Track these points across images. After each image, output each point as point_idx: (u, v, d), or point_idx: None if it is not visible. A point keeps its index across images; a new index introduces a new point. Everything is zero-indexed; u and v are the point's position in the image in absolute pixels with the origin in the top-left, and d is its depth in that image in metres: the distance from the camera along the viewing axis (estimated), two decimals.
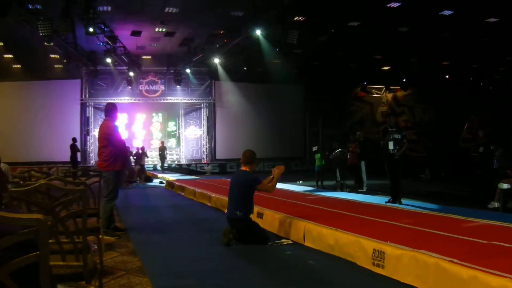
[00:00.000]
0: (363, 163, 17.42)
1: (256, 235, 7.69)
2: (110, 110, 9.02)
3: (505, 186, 11.26)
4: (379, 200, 12.49)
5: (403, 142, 12.22)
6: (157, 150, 31.11)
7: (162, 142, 30.94)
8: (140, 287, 5.34)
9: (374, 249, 5.81)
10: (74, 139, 27.07)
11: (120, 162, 8.77)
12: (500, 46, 27.31)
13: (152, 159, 32.41)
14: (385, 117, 16.00)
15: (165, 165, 30.38)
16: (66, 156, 27.44)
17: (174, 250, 7.44)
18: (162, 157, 29.89)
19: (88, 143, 32.84)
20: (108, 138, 8.78)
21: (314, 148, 19.95)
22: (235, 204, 7.84)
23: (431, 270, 4.85)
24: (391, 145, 12.10)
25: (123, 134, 31.64)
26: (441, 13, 22.16)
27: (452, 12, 22.01)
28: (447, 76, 37.30)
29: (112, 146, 8.71)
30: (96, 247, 5.83)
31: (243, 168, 8.25)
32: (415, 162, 28.02)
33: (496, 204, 11.63)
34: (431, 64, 33.19)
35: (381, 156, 12.71)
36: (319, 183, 18.94)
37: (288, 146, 35.35)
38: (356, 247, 6.19)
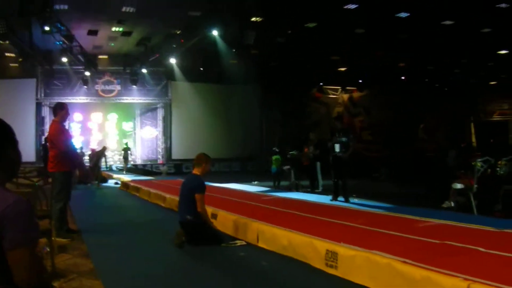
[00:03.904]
0: (318, 164, 17.50)
1: (209, 238, 7.59)
2: (57, 110, 8.87)
3: (459, 186, 11.43)
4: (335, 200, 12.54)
5: (350, 145, 12.76)
6: (115, 151, 30.69)
7: (126, 143, 30.58)
8: None
9: (327, 250, 5.80)
10: (45, 139, 26.51)
11: (68, 164, 8.59)
12: (455, 48, 27.76)
13: (108, 160, 31.91)
14: (334, 121, 16.43)
15: (128, 165, 29.92)
16: (24, 156, 26.73)
17: (127, 251, 7.37)
18: (126, 158, 29.52)
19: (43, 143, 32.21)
20: (52, 140, 8.65)
21: (276, 149, 19.95)
22: (185, 209, 7.80)
23: (384, 270, 4.86)
24: (337, 148, 12.61)
25: (77, 134, 31.48)
26: (398, 15, 22.39)
27: (408, 14, 22.26)
28: (403, 78, 37.77)
29: (56, 148, 8.54)
30: (48, 250, 5.70)
31: (194, 171, 8.19)
32: (370, 162, 28.31)
33: (451, 204, 11.80)
34: (388, 66, 33.51)
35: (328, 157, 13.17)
36: (276, 183, 18.98)
37: (244, 146, 35.26)
38: (310, 248, 6.17)
